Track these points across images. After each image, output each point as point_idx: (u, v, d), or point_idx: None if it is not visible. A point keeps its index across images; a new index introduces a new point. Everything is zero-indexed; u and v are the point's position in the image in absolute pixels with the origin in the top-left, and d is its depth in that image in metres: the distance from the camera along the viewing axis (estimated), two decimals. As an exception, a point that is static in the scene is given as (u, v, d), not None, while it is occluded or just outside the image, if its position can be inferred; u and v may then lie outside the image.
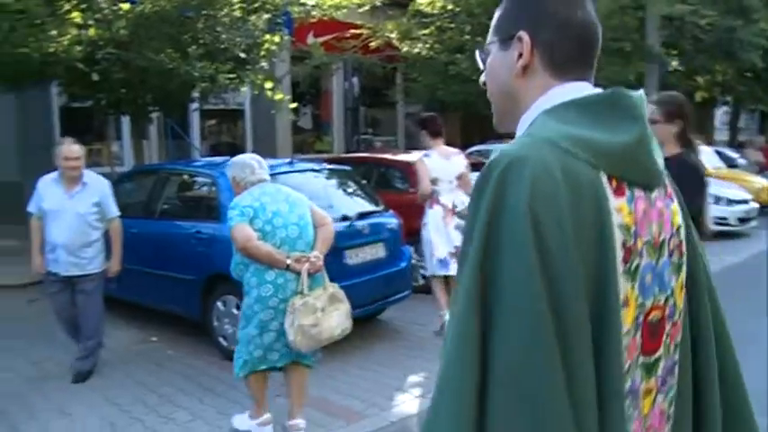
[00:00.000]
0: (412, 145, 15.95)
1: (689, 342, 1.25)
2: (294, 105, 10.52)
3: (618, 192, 1.10)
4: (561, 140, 1.08)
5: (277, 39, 9.18)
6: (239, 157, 4.30)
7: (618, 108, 1.16)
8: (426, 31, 14.04)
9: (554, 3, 1.21)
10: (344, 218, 5.81)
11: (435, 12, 13.98)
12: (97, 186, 5.29)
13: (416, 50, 14.06)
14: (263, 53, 9.12)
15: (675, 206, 1.25)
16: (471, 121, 15.69)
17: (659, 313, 1.17)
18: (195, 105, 10.70)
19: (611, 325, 1.07)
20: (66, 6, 7.39)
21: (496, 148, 1.12)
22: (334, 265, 5.37)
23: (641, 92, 1.21)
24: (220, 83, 8.36)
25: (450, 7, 13.88)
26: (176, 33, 8.13)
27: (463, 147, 9.27)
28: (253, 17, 8.88)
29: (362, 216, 6.06)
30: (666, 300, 1.19)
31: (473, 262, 1.03)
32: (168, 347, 6.01)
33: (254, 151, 13.74)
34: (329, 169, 6.58)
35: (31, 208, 5.29)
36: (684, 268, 1.24)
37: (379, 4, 12.58)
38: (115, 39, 7.65)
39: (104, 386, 5.12)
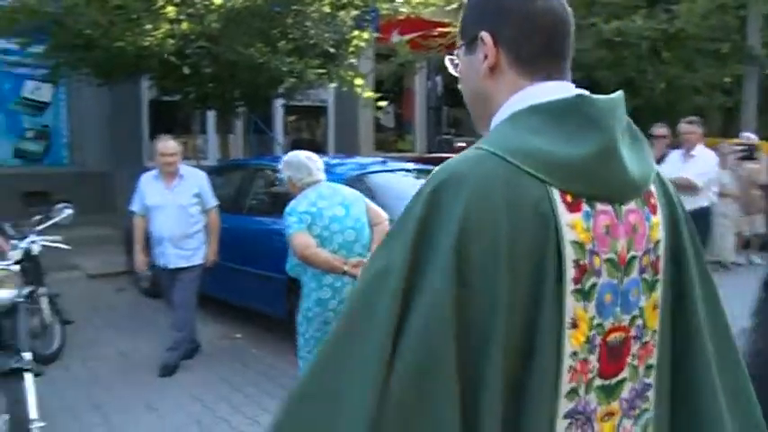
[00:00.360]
0: (494, 146, 15.63)
1: (668, 364, 1.19)
2: (384, 103, 10.40)
3: (573, 207, 1.06)
4: (510, 155, 1.04)
5: (366, 35, 9.09)
6: (294, 157, 4.04)
7: (581, 116, 1.09)
8: (513, 30, 13.69)
9: None
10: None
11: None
12: (194, 178, 5.42)
13: (502, 50, 13.71)
14: (351, 49, 9.05)
15: (657, 219, 1.16)
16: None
17: (622, 334, 1.11)
18: (282, 101, 10.71)
19: (543, 345, 1.03)
20: (161, 1, 7.51)
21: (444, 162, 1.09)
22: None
23: (616, 96, 1.15)
24: (309, 78, 8.32)
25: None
26: (266, 28, 8.16)
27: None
28: (341, 13, 8.82)
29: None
30: (633, 320, 1.13)
31: (399, 273, 1.01)
32: (252, 346, 5.95)
33: (336, 149, 13.74)
34: (419, 169, 6.39)
35: (134, 207, 5.43)
36: (660, 286, 1.16)
37: (466, 2, 12.34)
38: (206, 33, 7.76)
39: (189, 382, 5.09)
